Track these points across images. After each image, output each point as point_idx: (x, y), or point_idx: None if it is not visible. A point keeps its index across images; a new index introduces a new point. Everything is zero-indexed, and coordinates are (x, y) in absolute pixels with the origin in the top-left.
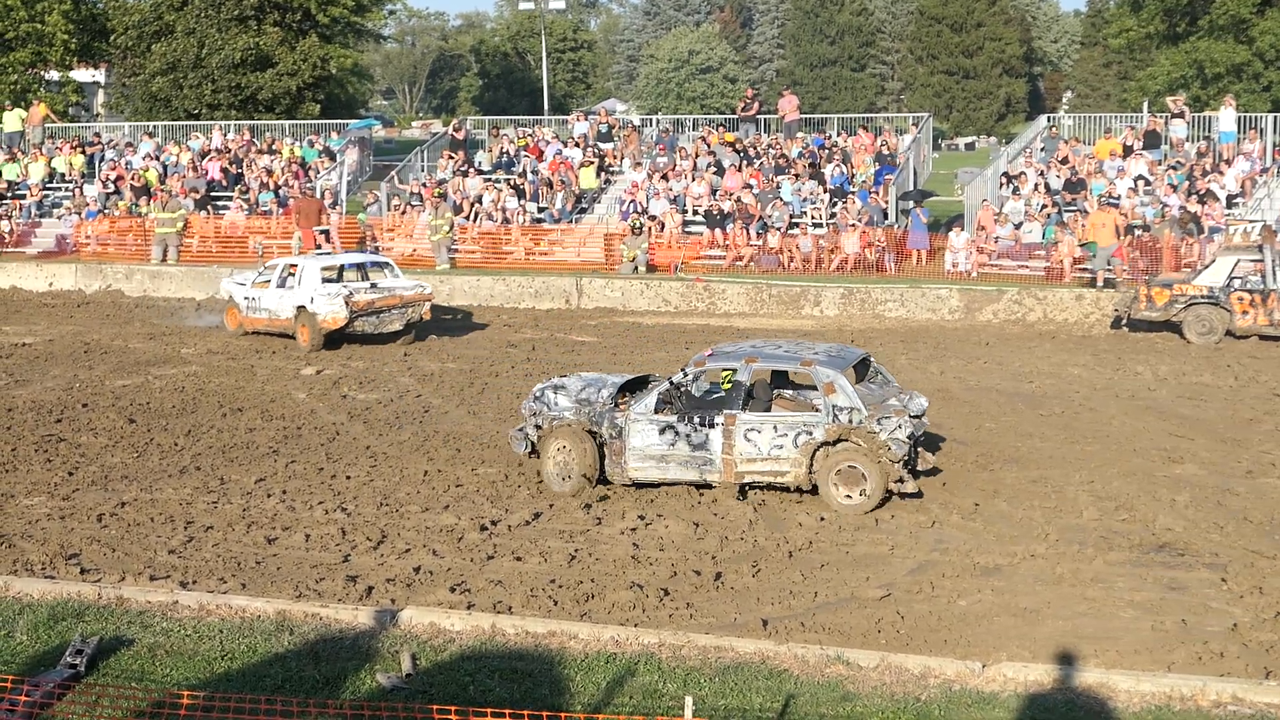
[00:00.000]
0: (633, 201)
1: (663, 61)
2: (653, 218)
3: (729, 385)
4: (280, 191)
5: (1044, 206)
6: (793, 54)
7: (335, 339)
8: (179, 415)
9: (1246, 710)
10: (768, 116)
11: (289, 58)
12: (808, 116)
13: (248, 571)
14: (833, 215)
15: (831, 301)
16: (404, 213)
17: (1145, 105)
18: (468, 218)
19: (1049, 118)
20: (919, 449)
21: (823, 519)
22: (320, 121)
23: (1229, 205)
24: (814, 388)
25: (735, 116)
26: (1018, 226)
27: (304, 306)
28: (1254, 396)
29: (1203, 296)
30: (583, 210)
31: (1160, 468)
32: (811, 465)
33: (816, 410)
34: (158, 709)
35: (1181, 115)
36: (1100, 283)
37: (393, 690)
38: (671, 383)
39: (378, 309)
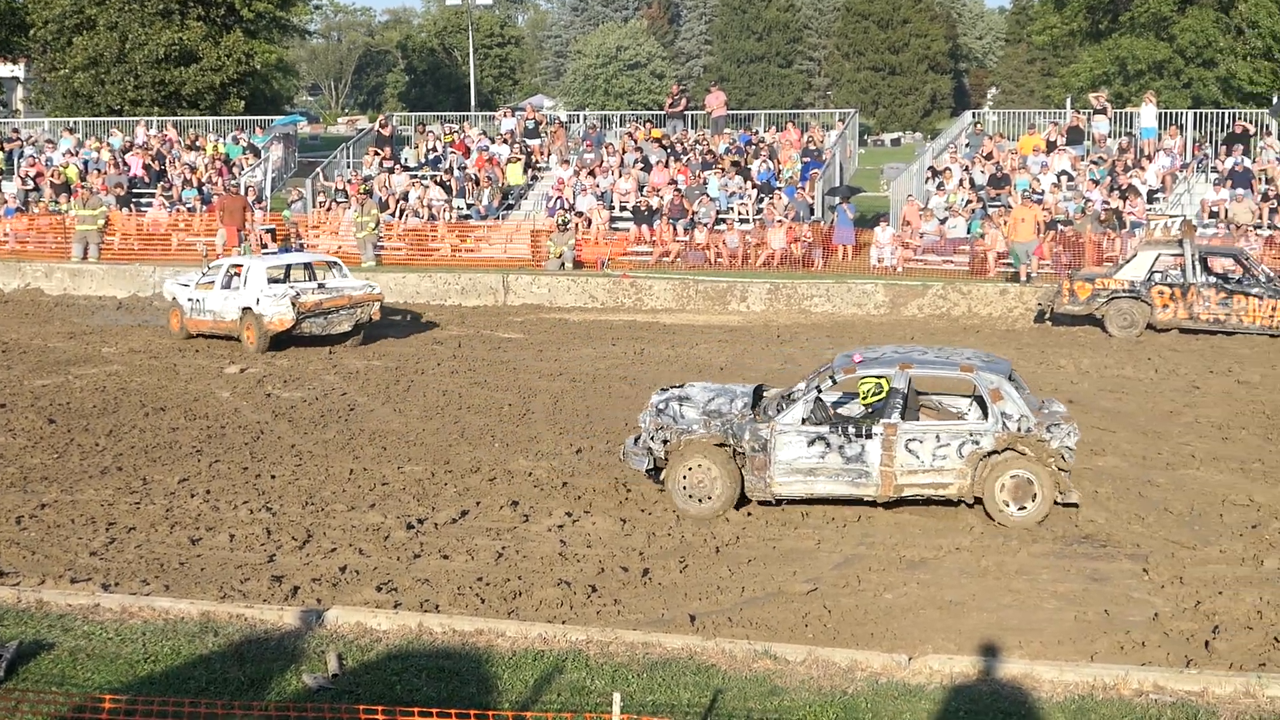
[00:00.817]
0: (560, 198)
1: (590, 58)
2: (580, 214)
3: (871, 395)
4: (204, 189)
5: (969, 202)
6: (720, 50)
7: (282, 341)
8: (100, 415)
9: (1168, 698)
10: (695, 113)
11: (213, 53)
12: (735, 112)
13: (171, 573)
14: (759, 211)
15: (758, 297)
16: (329, 209)
17: (1068, 102)
18: (394, 214)
19: (974, 114)
20: None
21: (748, 512)
22: (245, 118)
23: (1150, 200)
24: (955, 395)
25: (662, 113)
26: (943, 222)
27: (249, 308)
28: (1174, 389)
29: (1124, 291)
30: (510, 207)
31: (1082, 460)
32: (976, 477)
33: (961, 418)
34: (79, 713)
35: (1104, 111)
36: (1023, 278)
37: (319, 690)
38: (820, 391)
39: (325, 310)
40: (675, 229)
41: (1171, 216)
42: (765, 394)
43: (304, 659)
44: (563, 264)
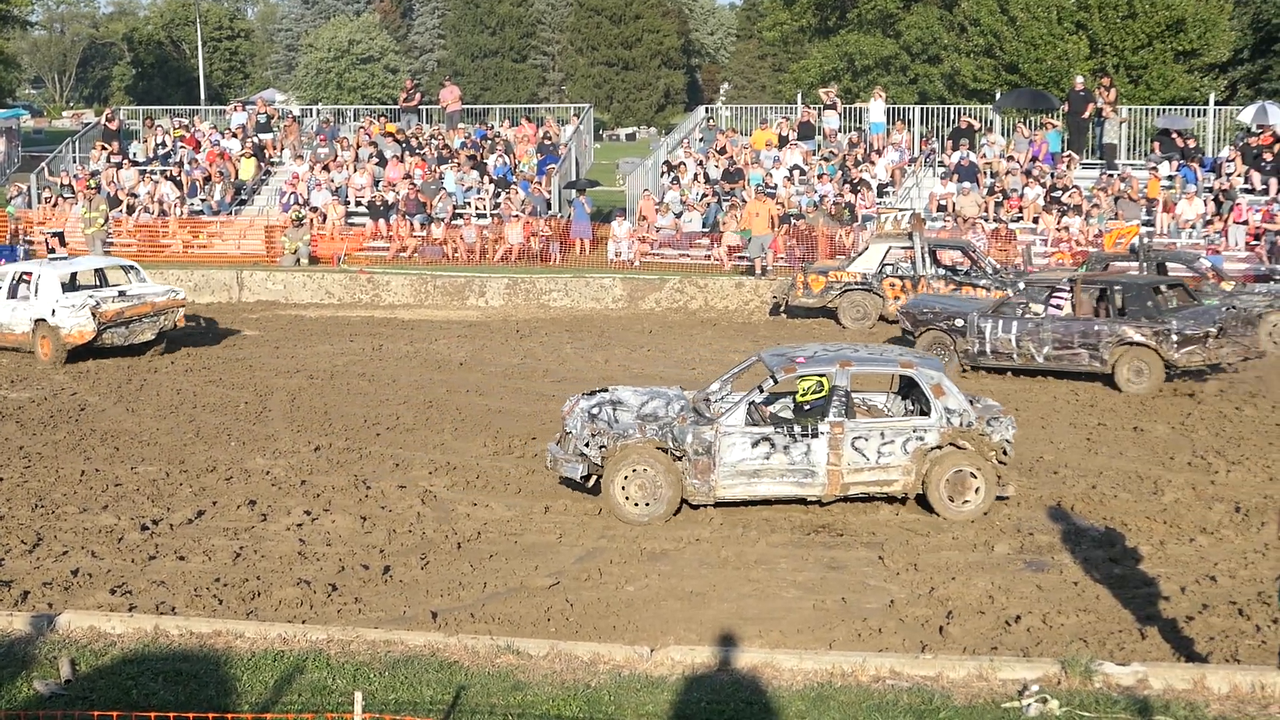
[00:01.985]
0: (294, 193)
1: (322, 51)
2: (314, 209)
3: (811, 393)
4: None
5: (704, 196)
6: (454, 44)
7: (80, 353)
8: None
9: (904, 683)
10: (429, 107)
11: None
12: (470, 107)
13: None
14: (496, 205)
15: (497, 292)
16: (55, 205)
17: (799, 97)
18: (123, 210)
19: (707, 109)
20: None
21: (489, 506)
22: None
23: (880, 194)
24: (875, 392)
25: (397, 107)
26: (678, 216)
27: (44, 319)
28: None
29: (856, 283)
30: (243, 202)
31: None
32: (921, 472)
33: (889, 414)
34: None
35: (834, 107)
36: (758, 270)
37: (51, 697)
38: (761, 390)
39: (128, 319)
40: (412, 224)
41: (901, 210)
42: (688, 396)
43: (35, 665)
44: (298, 260)
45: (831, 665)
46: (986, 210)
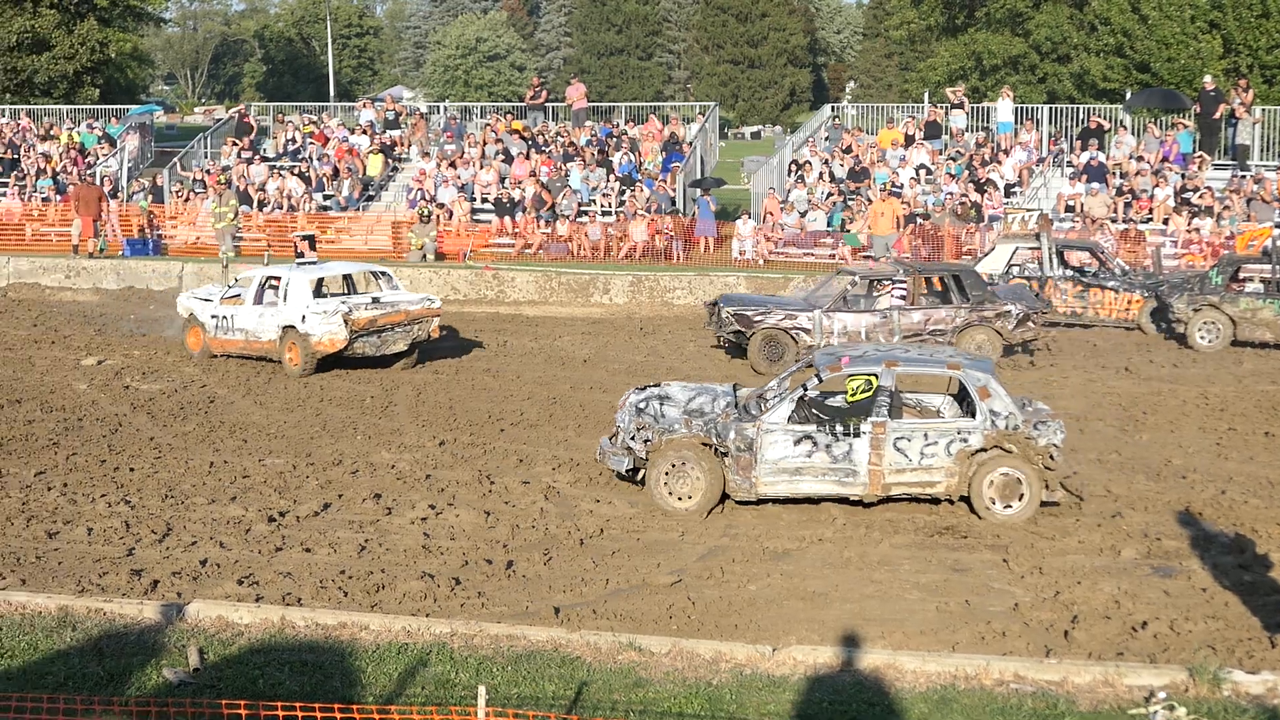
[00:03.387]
0: (420, 189)
1: (450, 48)
2: (441, 206)
3: (861, 392)
4: (59, 178)
5: (829, 195)
6: (580, 42)
7: (329, 362)
8: None
9: (1028, 688)
10: (555, 104)
11: (66, 41)
12: (595, 105)
13: (28, 567)
14: (621, 203)
15: (620, 289)
16: (187, 200)
17: (926, 96)
18: (253, 205)
19: (833, 107)
20: None
21: (612, 503)
22: (100, 106)
23: (1007, 194)
24: (932, 393)
25: (523, 104)
26: (803, 214)
27: (293, 326)
28: (1032, 381)
29: None
30: (370, 198)
31: None
32: (965, 474)
33: (945, 417)
34: None
35: (961, 106)
36: None
37: (180, 685)
38: (805, 389)
39: (380, 327)
40: (538, 221)
41: (1028, 210)
42: (738, 393)
43: (164, 653)
44: (424, 256)
45: (955, 668)
46: (1115, 211)
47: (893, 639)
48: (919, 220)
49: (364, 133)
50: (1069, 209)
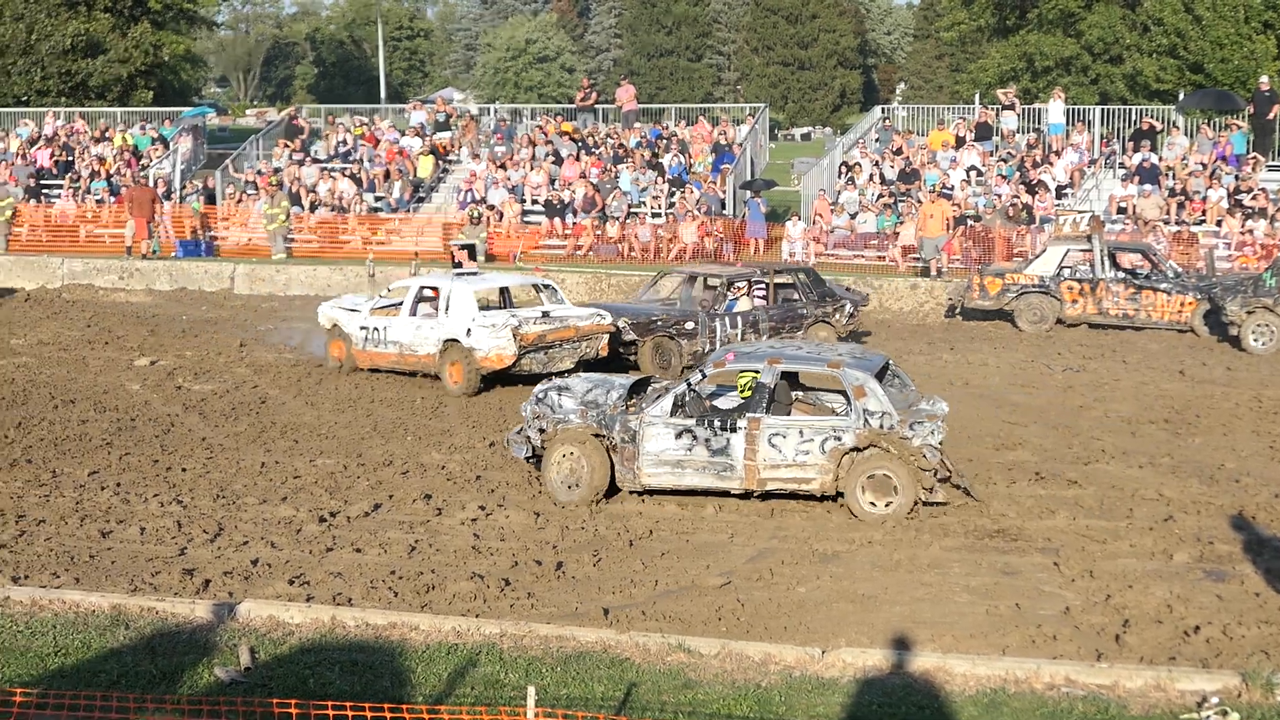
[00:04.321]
0: (471, 191)
1: (500, 50)
2: (491, 207)
3: (749, 389)
4: (112, 180)
5: (879, 196)
6: (630, 44)
7: (492, 380)
8: (9, 407)
9: (1079, 691)
10: (605, 106)
11: (120, 44)
12: (645, 106)
13: (81, 565)
14: (671, 205)
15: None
16: (239, 201)
17: (977, 97)
18: (304, 206)
19: (883, 109)
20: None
21: (661, 505)
22: (153, 109)
23: (1058, 196)
24: (832, 391)
25: (573, 106)
26: (853, 216)
27: (456, 340)
28: (1083, 384)
29: (1034, 286)
30: (420, 199)
31: (994, 454)
32: (839, 472)
33: (837, 414)
34: None
35: (1012, 107)
36: (933, 272)
37: (231, 684)
38: (688, 385)
39: (549, 343)
40: (590, 221)
41: (1080, 212)
42: (650, 387)
43: (216, 652)
44: (472, 258)
45: (1005, 671)
46: (1168, 213)
47: (942, 642)
48: (969, 222)
49: (415, 134)
50: (1121, 211)
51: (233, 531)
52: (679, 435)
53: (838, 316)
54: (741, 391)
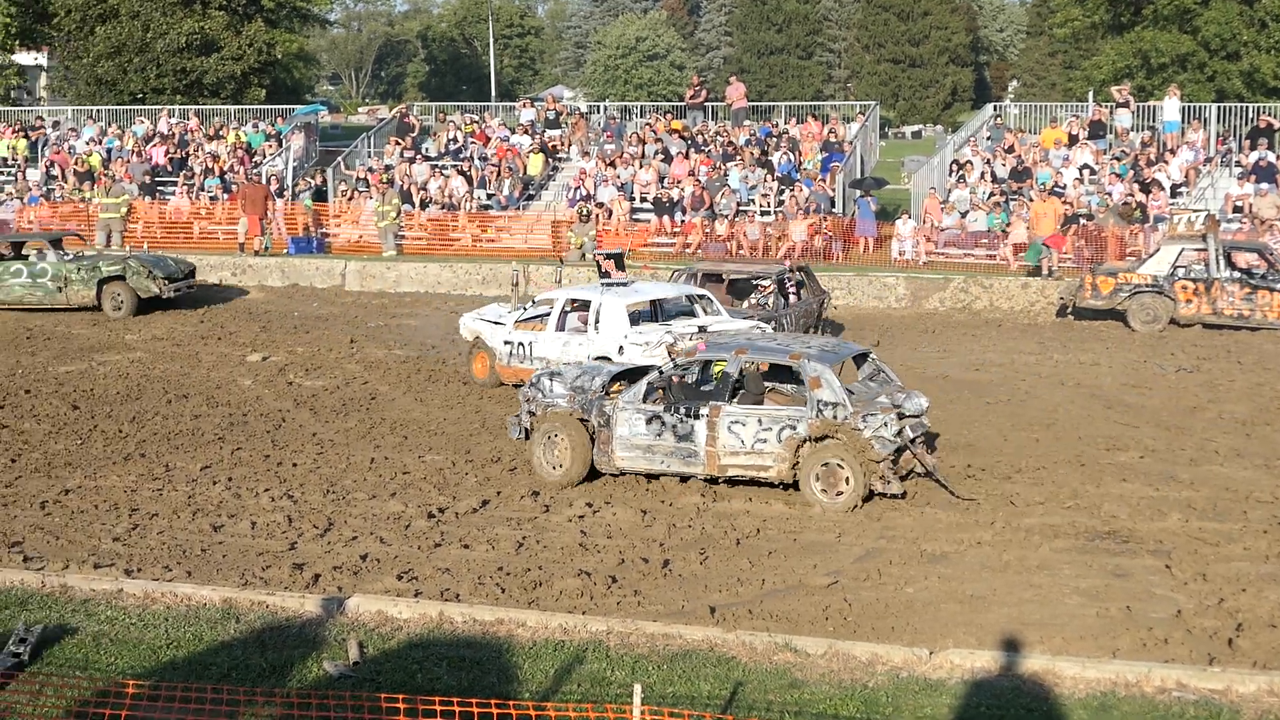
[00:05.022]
0: (580, 189)
1: (610, 48)
2: (600, 205)
3: (717, 378)
4: (225, 177)
5: (990, 195)
6: (740, 42)
7: None
8: (123, 402)
9: (1190, 696)
10: (715, 104)
11: (234, 42)
12: (755, 104)
13: (193, 559)
14: (780, 203)
15: None
16: (350, 199)
17: (1090, 95)
18: (414, 204)
19: (995, 106)
20: (921, 448)
21: (768, 504)
22: (266, 106)
23: (1173, 194)
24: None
25: (683, 104)
26: (964, 215)
27: (607, 358)
28: (1197, 384)
29: (1147, 285)
30: (530, 197)
31: (1105, 455)
32: (795, 461)
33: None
34: (102, 698)
35: (1126, 105)
36: (1044, 271)
37: (340, 678)
38: (661, 372)
39: None
40: (700, 220)
41: (1195, 211)
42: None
43: (325, 646)
44: (584, 255)
45: (1115, 674)
46: None
47: (1052, 644)
48: (1082, 221)
49: (525, 132)
50: (1237, 210)
51: (342, 526)
52: (649, 421)
53: (826, 311)
54: (716, 381)
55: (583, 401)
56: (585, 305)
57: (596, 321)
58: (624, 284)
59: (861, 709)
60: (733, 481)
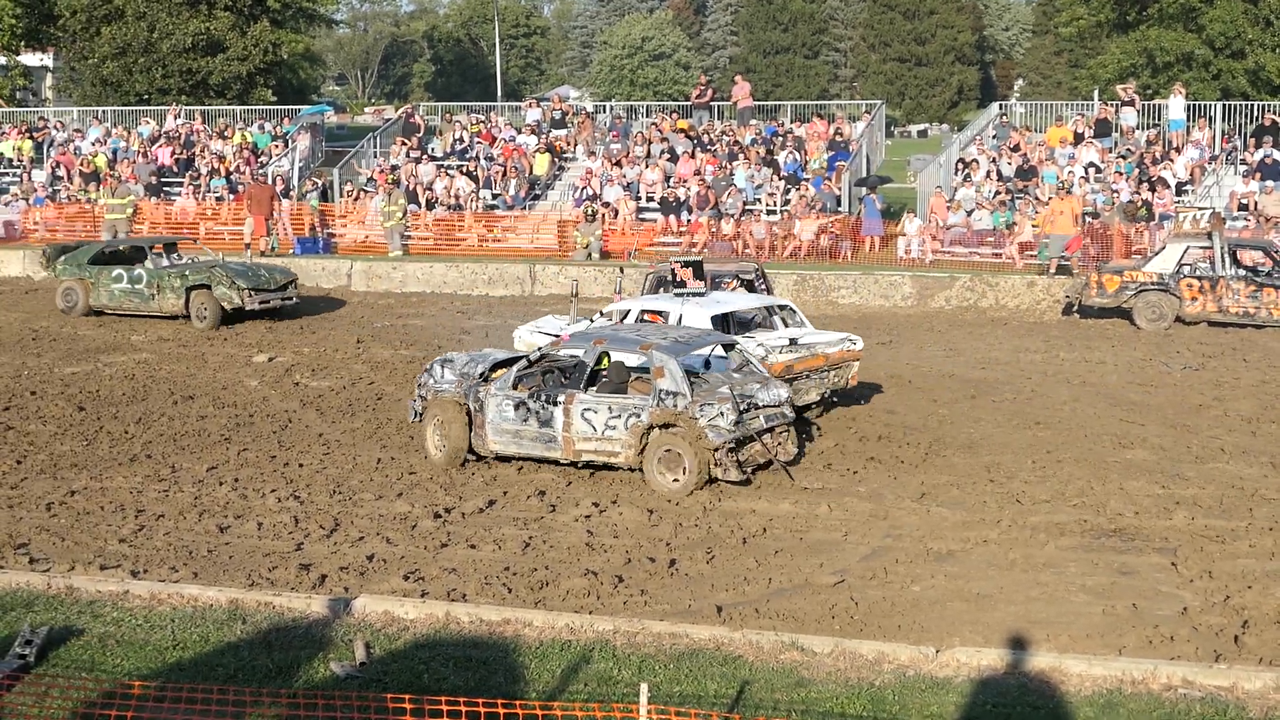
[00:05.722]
0: (586, 188)
1: (616, 48)
2: (606, 204)
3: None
4: (231, 178)
5: (997, 193)
6: (746, 41)
7: None
8: (129, 403)
9: (1197, 693)
10: (721, 103)
11: (240, 42)
12: (761, 104)
13: (199, 560)
14: (786, 202)
15: (785, 288)
16: (357, 199)
17: (1096, 93)
18: (421, 204)
19: (1001, 105)
20: (783, 437)
21: (774, 503)
22: (272, 107)
23: (1178, 193)
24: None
25: (689, 103)
26: (970, 213)
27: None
28: (1203, 382)
29: (1153, 283)
30: (536, 197)
31: (1111, 453)
32: (641, 447)
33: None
34: (108, 699)
35: (1132, 103)
36: (1052, 269)
37: (347, 678)
38: (529, 362)
39: (796, 374)
40: (705, 219)
41: (1200, 209)
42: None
43: (331, 647)
44: (590, 254)
45: (1121, 672)
46: None
47: (1058, 642)
48: (1088, 219)
49: (531, 132)
50: (1242, 208)
51: (349, 527)
52: (517, 407)
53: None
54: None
55: (465, 387)
56: (662, 316)
57: None
58: (699, 294)
59: (868, 707)
60: (588, 466)
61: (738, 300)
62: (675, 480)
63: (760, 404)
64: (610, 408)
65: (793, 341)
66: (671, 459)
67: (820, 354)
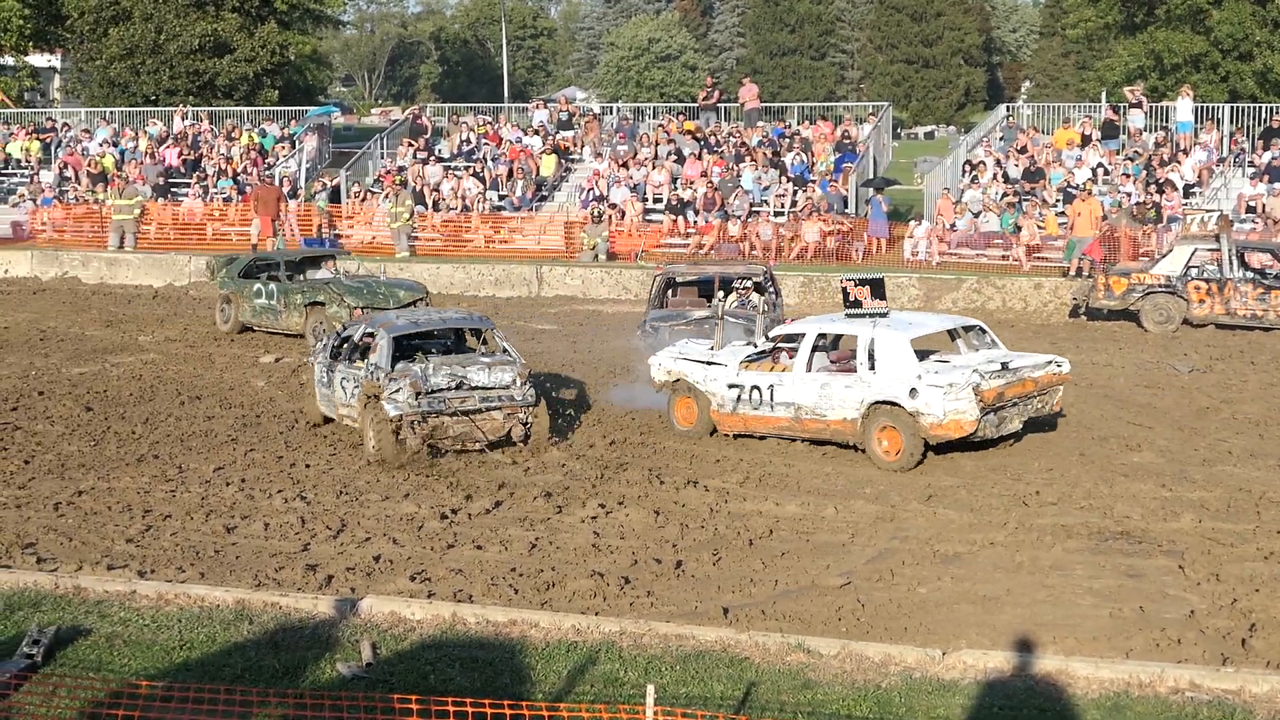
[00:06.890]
0: (593, 190)
1: (623, 49)
2: (613, 206)
3: None
4: (239, 179)
5: (1004, 195)
6: (753, 42)
7: (940, 450)
8: (137, 403)
9: (1204, 696)
10: (728, 105)
11: (247, 44)
12: (768, 105)
13: (206, 560)
14: (793, 204)
15: (791, 289)
16: (364, 200)
17: (1103, 95)
18: (428, 205)
19: (1008, 107)
20: (493, 417)
21: (780, 504)
22: (279, 108)
23: (1186, 195)
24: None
25: (695, 105)
26: (976, 215)
27: (892, 403)
28: (1210, 385)
29: (1160, 285)
30: (543, 198)
31: (1118, 455)
32: (366, 414)
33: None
34: (115, 699)
35: (1139, 105)
36: (1072, 271)
37: (353, 679)
38: (338, 335)
39: (1006, 401)
40: (711, 221)
41: (1208, 211)
42: None
43: (338, 647)
44: (596, 256)
45: (1128, 675)
46: None
47: (1065, 644)
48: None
49: (537, 133)
50: (1250, 210)
51: (355, 528)
52: (324, 374)
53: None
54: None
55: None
56: (842, 339)
57: (871, 360)
58: (882, 314)
59: (874, 710)
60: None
61: (932, 321)
62: (373, 445)
63: (475, 385)
64: (353, 379)
65: (1005, 365)
66: (376, 425)
67: (1027, 379)
